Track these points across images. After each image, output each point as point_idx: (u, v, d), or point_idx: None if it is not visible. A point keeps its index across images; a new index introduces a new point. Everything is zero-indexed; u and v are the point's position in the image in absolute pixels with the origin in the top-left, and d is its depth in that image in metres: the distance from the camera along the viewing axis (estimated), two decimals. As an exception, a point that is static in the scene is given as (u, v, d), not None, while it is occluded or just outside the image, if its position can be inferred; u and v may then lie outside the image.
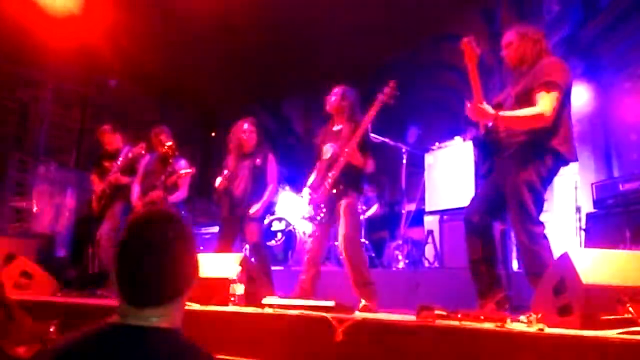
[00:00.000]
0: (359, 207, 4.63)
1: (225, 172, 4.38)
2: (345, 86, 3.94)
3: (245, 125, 4.48)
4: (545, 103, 2.71)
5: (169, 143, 4.53)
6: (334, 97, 3.92)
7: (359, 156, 3.65)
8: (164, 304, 1.09)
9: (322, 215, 3.78)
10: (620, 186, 4.30)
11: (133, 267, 1.08)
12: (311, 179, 4.03)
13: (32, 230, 5.60)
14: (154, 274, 1.07)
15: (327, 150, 3.90)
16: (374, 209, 6.37)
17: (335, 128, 3.93)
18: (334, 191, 3.71)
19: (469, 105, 2.87)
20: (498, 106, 2.97)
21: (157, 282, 1.07)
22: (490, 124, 2.95)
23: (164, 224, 1.12)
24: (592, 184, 4.64)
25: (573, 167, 5.03)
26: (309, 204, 3.93)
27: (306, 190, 3.95)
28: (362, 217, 5.95)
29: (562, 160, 2.84)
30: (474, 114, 2.88)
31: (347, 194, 3.69)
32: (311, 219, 3.89)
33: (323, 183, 3.79)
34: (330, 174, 3.72)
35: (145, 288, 1.07)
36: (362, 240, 4.87)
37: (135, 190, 4.77)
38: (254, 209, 4.32)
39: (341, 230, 3.61)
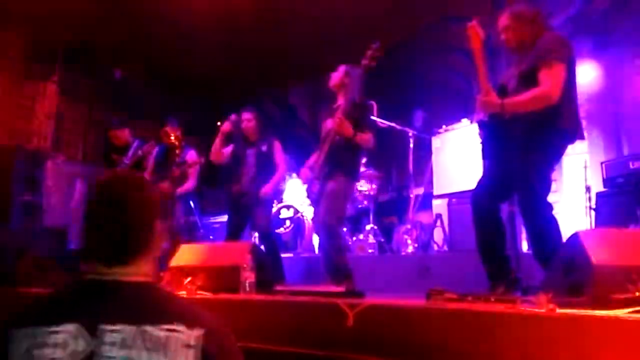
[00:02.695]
0: (348, 192, 4.57)
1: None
2: (349, 64, 3.88)
3: (243, 115, 4.57)
4: (549, 82, 2.67)
5: (176, 134, 4.56)
6: (337, 74, 3.90)
7: (348, 126, 3.55)
8: (129, 261, 1.16)
9: (314, 194, 3.72)
10: (631, 164, 4.27)
11: (101, 225, 1.15)
12: (312, 158, 3.98)
13: (43, 225, 5.64)
14: (119, 231, 1.14)
15: (325, 127, 3.87)
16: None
17: (336, 105, 3.90)
18: (326, 169, 3.64)
19: (477, 99, 2.84)
20: (502, 89, 2.94)
21: (122, 238, 1.14)
22: None
23: (126, 184, 1.20)
24: (601, 163, 4.60)
25: (582, 146, 5.00)
26: (303, 183, 3.91)
27: (304, 170, 3.92)
28: (378, 196, 5.88)
29: (568, 138, 2.81)
30: (481, 107, 2.85)
31: (334, 176, 3.61)
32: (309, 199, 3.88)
33: (318, 161, 3.73)
34: (323, 150, 3.67)
35: (113, 244, 1.14)
36: (344, 228, 4.82)
37: (146, 182, 4.82)
38: (264, 189, 4.35)
39: (322, 213, 3.57)
